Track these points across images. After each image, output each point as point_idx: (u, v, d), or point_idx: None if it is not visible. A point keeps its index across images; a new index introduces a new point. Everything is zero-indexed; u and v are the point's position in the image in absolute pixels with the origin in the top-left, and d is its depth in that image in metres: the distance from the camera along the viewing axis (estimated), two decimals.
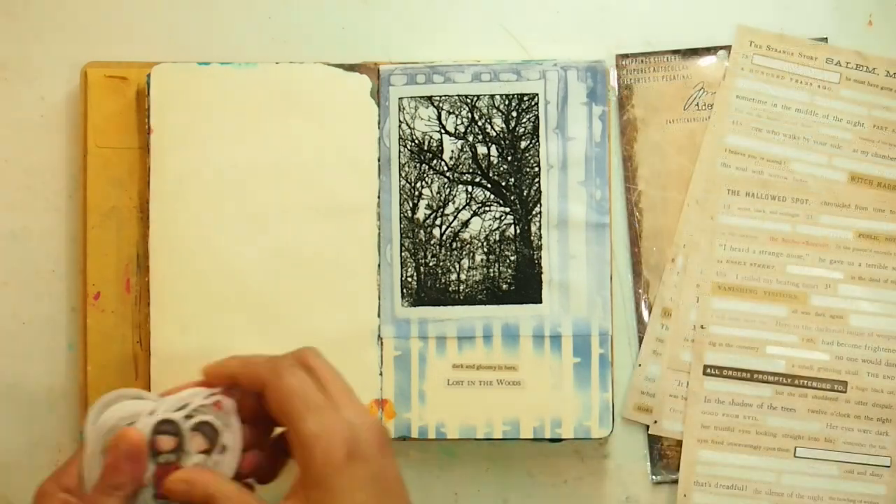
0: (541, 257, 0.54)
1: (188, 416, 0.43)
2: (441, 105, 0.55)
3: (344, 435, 0.39)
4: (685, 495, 0.55)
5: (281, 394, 0.41)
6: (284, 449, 0.44)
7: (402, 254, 0.55)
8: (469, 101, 0.55)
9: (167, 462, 0.42)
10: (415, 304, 0.54)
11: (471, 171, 0.55)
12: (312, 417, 0.40)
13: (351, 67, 0.55)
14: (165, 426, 0.42)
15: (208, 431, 0.43)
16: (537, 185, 0.55)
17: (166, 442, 0.42)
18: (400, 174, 0.55)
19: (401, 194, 0.55)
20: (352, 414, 0.40)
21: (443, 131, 0.55)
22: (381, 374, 0.54)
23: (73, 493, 0.43)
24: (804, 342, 0.55)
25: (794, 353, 0.55)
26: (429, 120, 0.55)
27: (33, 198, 0.57)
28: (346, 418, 0.40)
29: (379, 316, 0.54)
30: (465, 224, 0.55)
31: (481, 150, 0.55)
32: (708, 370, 0.55)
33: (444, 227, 0.55)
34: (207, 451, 0.43)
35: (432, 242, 0.55)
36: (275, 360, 0.42)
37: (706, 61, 0.57)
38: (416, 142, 0.55)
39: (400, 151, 0.55)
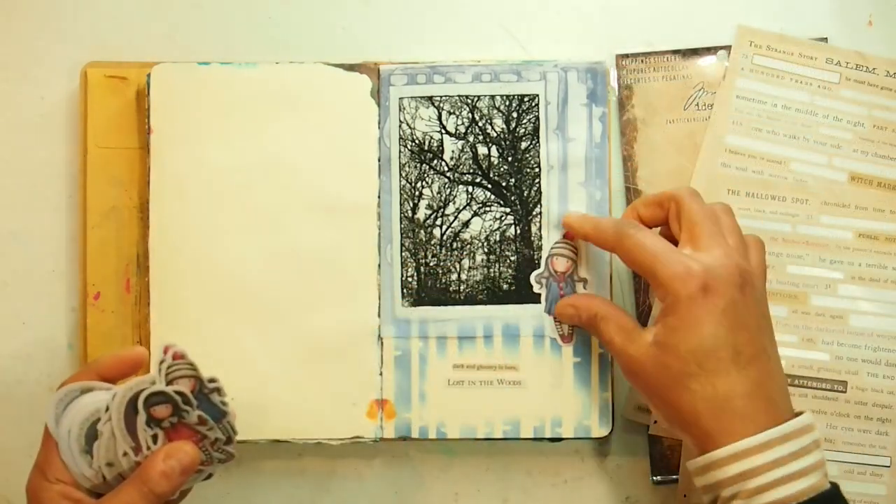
0: (541, 257, 0.54)
1: (169, 382, 0.43)
2: (441, 105, 0.55)
3: (696, 272, 0.45)
4: (685, 495, 0.55)
5: (628, 252, 0.47)
6: None
7: (403, 254, 0.55)
8: (469, 101, 0.55)
9: (171, 425, 0.44)
10: (415, 304, 0.54)
11: (471, 171, 0.55)
12: (662, 263, 0.46)
13: (351, 67, 0.55)
14: (157, 398, 0.43)
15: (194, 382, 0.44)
16: (537, 185, 0.55)
17: (163, 411, 0.43)
18: (400, 174, 0.55)
19: (401, 194, 0.55)
20: (708, 258, 0.46)
21: (443, 131, 0.55)
22: (381, 374, 0.54)
23: (67, 484, 0.44)
24: (804, 342, 0.55)
25: (794, 353, 0.55)
26: (429, 120, 0.55)
27: (33, 198, 0.57)
28: (699, 260, 0.45)
29: (379, 316, 0.54)
30: (466, 224, 0.55)
31: (482, 150, 0.55)
32: None
33: (444, 228, 0.55)
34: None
35: (433, 242, 0.55)
36: (617, 224, 0.49)
37: (706, 61, 0.57)
38: (417, 142, 0.55)
39: (400, 151, 0.55)
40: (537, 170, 0.55)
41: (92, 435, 0.44)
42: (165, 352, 0.43)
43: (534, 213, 0.55)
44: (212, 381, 0.44)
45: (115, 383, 0.46)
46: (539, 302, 0.54)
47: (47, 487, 0.44)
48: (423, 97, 0.55)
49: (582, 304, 0.51)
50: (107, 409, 0.44)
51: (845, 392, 0.55)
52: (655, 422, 0.56)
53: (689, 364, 0.44)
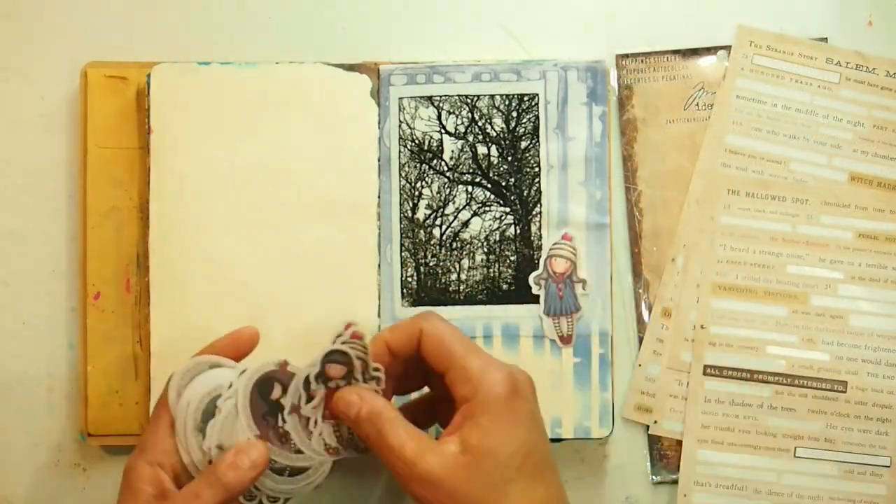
0: (541, 257, 0.54)
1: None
2: (441, 105, 0.55)
3: (504, 373, 0.43)
4: (685, 495, 0.55)
5: (441, 338, 0.44)
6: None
7: (402, 254, 0.55)
8: (469, 101, 0.55)
9: (337, 386, 0.43)
10: (415, 304, 0.54)
11: (471, 171, 0.55)
12: (474, 356, 0.44)
13: (351, 67, 0.55)
14: (336, 356, 0.43)
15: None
16: (537, 185, 0.55)
17: (337, 370, 0.43)
18: (400, 174, 0.55)
19: (401, 194, 0.55)
20: (500, 363, 0.44)
21: (443, 131, 0.55)
22: None
23: (163, 468, 0.43)
24: (804, 342, 0.55)
25: (794, 353, 0.55)
26: (429, 120, 0.55)
27: (33, 198, 0.57)
28: (496, 365, 0.44)
29: (379, 316, 0.54)
30: (466, 224, 0.55)
31: (481, 150, 0.55)
32: (708, 370, 0.55)
33: (444, 227, 0.55)
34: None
35: (432, 242, 0.55)
36: (423, 314, 0.46)
37: (706, 61, 0.57)
38: (417, 142, 0.55)
39: (400, 151, 0.55)
40: (537, 169, 0.55)
41: (210, 411, 0.43)
42: (346, 328, 0.43)
43: (533, 212, 0.55)
44: (376, 369, 0.43)
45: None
46: (539, 303, 0.54)
47: (139, 467, 0.43)
48: (423, 97, 0.55)
49: (367, 395, 0.44)
50: (230, 385, 0.42)
51: (845, 392, 0.55)
52: (656, 422, 0.56)
53: (508, 469, 0.41)
